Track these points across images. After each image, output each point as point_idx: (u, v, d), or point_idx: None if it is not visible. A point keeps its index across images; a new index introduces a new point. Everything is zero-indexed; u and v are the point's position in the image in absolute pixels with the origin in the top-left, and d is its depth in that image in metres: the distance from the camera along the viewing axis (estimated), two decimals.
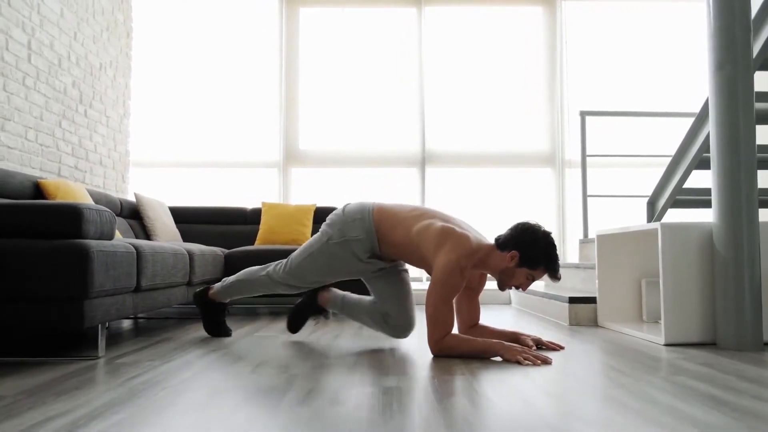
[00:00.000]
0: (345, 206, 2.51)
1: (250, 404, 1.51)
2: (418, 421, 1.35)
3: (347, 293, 2.66)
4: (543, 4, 5.09)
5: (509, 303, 4.79)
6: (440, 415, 1.40)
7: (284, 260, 2.55)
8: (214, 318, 2.77)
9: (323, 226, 2.50)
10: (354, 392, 1.65)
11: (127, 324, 3.36)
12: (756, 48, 2.98)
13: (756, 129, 4.90)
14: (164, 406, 1.50)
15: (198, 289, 2.82)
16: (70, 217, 2.08)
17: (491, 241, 2.36)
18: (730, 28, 2.46)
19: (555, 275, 2.25)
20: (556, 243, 4.97)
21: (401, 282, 2.53)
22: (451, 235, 2.22)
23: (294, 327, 2.76)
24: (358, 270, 2.45)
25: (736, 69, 2.44)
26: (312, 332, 2.92)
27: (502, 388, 1.69)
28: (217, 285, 2.73)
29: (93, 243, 2.11)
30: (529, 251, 2.21)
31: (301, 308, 2.74)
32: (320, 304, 2.71)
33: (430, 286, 2.20)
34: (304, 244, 2.52)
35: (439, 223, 2.29)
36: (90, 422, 1.34)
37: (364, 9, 5.08)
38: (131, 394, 1.62)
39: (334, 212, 2.52)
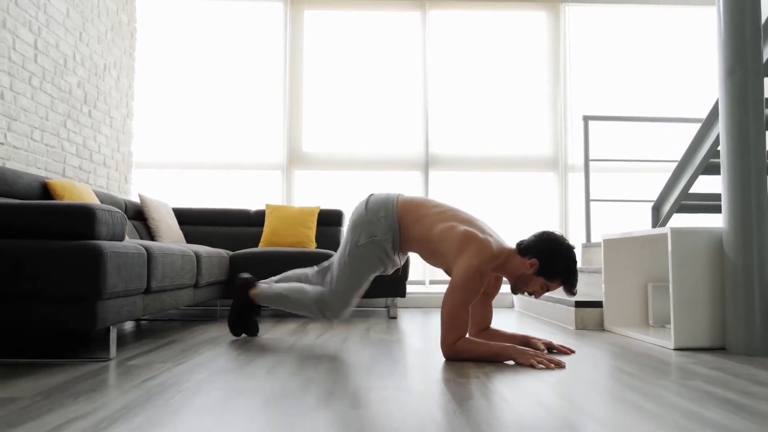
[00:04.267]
0: (368, 200, 2.49)
1: (269, 407, 1.51)
2: (443, 423, 1.35)
3: (272, 283, 2.65)
4: (546, 9, 5.11)
5: (512, 306, 4.79)
6: (463, 417, 1.40)
7: (327, 286, 2.52)
8: (248, 317, 2.78)
9: (346, 233, 2.49)
10: (373, 395, 1.64)
11: (129, 326, 3.34)
12: (766, 54, 2.99)
13: (766, 135, 4.92)
14: (182, 408, 1.49)
15: (240, 281, 2.74)
16: (84, 217, 2.07)
17: (512, 245, 2.36)
18: (741, 34, 2.47)
19: (571, 290, 2.25)
20: None
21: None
22: (473, 240, 2.22)
23: (237, 331, 2.78)
24: (384, 266, 2.46)
25: (746, 75, 2.45)
26: (319, 335, 2.91)
27: (518, 392, 1.69)
28: (263, 287, 2.70)
29: (106, 244, 2.10)
30: (549, 262, 2.22)
31: (238, 311, 2.75)
32: (253, 301, 2.72)
33: (449, 289, 2.20)
34: (336, 261, 2.50)
35: (462, 227, 2.29)
36: (112, 424, 1.34)
37: (369, 12, 5.08)
38: (148, 396, 1.61)
39: (356, 209, 2.50)
